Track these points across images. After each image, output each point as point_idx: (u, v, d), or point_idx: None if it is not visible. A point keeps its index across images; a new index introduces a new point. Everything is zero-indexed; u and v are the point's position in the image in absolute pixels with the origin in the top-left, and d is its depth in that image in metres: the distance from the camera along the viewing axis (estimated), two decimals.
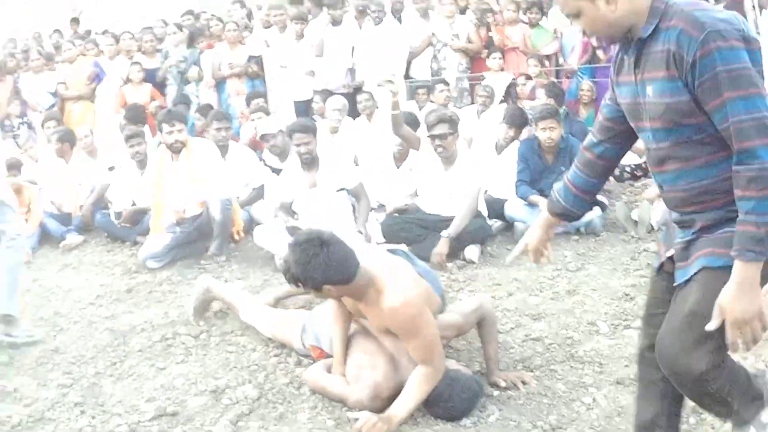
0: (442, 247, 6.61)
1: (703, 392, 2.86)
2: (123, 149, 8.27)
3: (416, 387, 3.98)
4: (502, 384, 4.40)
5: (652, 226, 7.24)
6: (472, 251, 6.81)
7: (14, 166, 8.09)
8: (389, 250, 4.63)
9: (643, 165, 9.35)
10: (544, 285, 6.00)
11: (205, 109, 10.12)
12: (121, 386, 4.72)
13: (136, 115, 9.79)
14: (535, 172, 7.64)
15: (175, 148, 7.10)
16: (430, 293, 4.21)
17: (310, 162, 6.94)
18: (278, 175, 7.76)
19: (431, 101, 10.09)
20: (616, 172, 9.28)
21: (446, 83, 10.27)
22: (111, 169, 8.55)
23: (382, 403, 4.09)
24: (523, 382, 4.39)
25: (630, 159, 9.40)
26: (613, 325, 5.15)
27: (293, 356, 4.93)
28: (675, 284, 2.93)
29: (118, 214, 7.82)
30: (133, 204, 7.88)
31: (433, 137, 6.85)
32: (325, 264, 3.72)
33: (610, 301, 5.57)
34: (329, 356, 4.52)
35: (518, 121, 8.25)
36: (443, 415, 4.10)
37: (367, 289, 3.94)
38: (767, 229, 2.58)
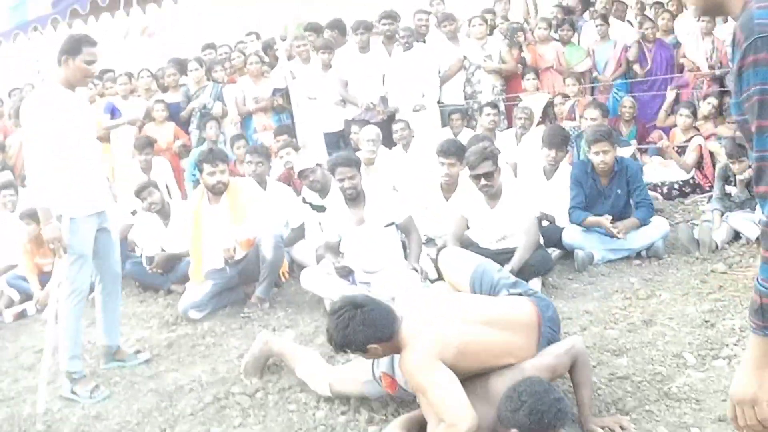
0: None
1: None
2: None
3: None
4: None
5: (716, 244, 6.94)
6: (534, 284, 6.34)
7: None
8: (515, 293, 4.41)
9: (691, 181, 9.00)
10: (618, 316, 5.62)
11: (236, 140, 9.77)
12: None
13: (142, 144, 9.47)
14: (590, 197, 7.26)
15: (217, 190, 6.68)
16: (470, 342, 3.95)
17: (355, 197, 6.56)
18: (319, 212, 7.45)
19: (466, 126, 9.72)
20: (664, 189, 8.94)
21: (494, 106, 9.82)
22: (134, 213, 8.13)
23: None
24: (622, 428, 4.05)
25: (678, 175, 9.13)
26: (701, 356, 4.82)
27: (362, 413, 4.50)
28: None
29: (150, 259, 7.40)
30: (163, 251, 7.49)
31: (477, 177, 6.44)
32: (363, 325, 3.81)
33: (691, 330, 5.23)
34: (401, 387, 4.24)
35: (558, 141, 7.81)
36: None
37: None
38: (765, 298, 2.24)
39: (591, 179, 7.25)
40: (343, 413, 4.54)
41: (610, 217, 6.94)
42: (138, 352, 5.65)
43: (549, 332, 4.23)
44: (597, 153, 7.15)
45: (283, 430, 4.42)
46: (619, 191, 7.15)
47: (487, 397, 3.89)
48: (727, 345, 4.91)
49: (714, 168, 9.05)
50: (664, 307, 5.73)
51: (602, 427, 4.02)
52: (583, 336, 5.30)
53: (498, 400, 3.74)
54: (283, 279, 7.09)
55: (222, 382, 5.16)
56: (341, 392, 4.60)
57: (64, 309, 5.13)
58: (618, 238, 6.84)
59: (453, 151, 7.22)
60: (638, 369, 4.72)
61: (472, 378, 3.94)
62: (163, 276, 7.45)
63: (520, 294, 4.39)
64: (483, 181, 6.43)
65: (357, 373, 4.53)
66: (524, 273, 6.16)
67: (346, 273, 6.39)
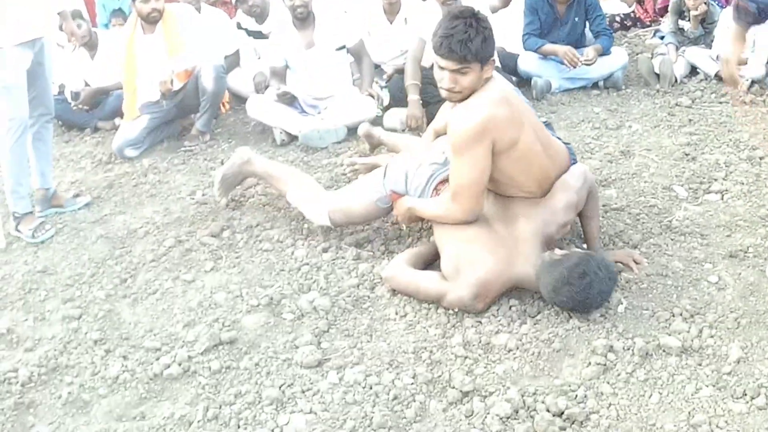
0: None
1: None
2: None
3: (433, 203, 3.76)
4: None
5: (676, 78, 6.83)
6: None
7: None
8: None
9: (632, 15, 8.74)
10: (592, 146, 5.42)
11: None
12: (144, 309, 3.78)
13: None
14: (546, 24, 6.89)
15: (152, 19, 6.01)
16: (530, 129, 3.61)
17: (305, 17, 6.06)
18: (256, 38, 6.97)
19: None
20: (606, 21, 8.61)
21: None
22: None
23: (486, 304, 3.50)
24: (636, 262, 3.83)
25: (619, 8, 8.87)
26: (692, 189, 4.70)
27: (347, 249, 4.14)
28: None
29: (76, 95, 6.65)
30: (87, 85, 6.78)
31: None
32: (483, 37, 3.40)
33: (674, 162, 5.08)
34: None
35: None
36: (579, 300, 3.34)
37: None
38: None
39: (548, 5, 6.85)
40: (325, 250, 4.16)
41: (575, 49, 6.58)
42: (77, 195, 5.01)
43: None
44: None
45: (263, 272, 3.98)
46: (576, 19, 6.80)
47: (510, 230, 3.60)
48: (716, 179, 4.77)
49: (654, 2, 8.80)
50: (638, 138, 5.56)
51: (615, 261, 3.77)
52: None
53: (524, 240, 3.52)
54: (222, 110, 6.61)
55: (179, 222, 4.64)
56: (341, 220, 4.16)
57: (5, 145, 4.49)
58: (584, 66, 6.50)
59: None
60: (631, 201, 4.56)
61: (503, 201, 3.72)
62: (89, 113, 6.74)
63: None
64: None
65: (365, 191, 4.14)
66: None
67: (288, 100, 5.94)
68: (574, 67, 6.50)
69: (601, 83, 6.78)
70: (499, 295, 3.55)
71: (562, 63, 6.58)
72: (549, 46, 6.72)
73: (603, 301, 3.41)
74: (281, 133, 5.88)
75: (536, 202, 3.64)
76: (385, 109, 6.22)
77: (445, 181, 3.77)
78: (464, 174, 3.50)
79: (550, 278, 3.34)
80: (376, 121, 5.85)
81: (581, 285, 3.26)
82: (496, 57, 3.79)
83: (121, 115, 6.31)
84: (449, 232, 3.63)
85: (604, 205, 4.45)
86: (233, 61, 7.01)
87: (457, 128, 3.47)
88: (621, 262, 3.82)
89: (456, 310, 3.48)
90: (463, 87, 3.47)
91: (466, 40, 3.35)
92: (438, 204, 3.71)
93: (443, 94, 3.57)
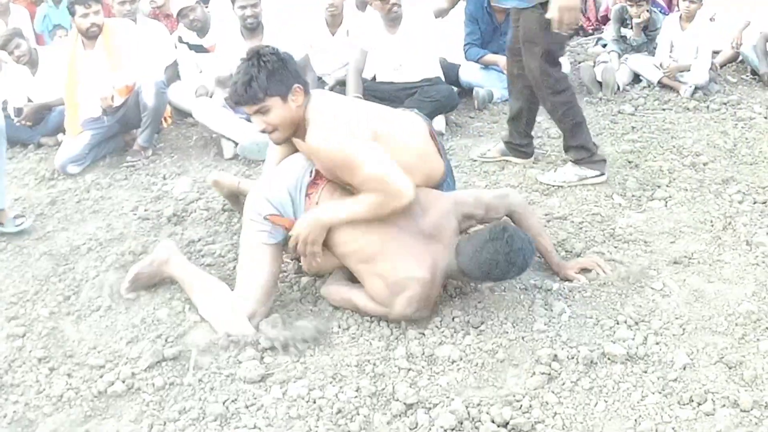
0: None
1: (544, 99, 4.79)
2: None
3: (353, 202, 3.46)
4: (576, 277, 3.82)
5: (618, 86, 6.96)
6: (439, 122, 6.14)
7: None
8: None
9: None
10: (536, 155, 5.41)
11: None
12: (88, 327, 3.70)
13: None
14: (486, 34, 7.00)
15: (92, 33, 6.01)
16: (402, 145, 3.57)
17: (254, 28, 6.10)
18: (197, 52, 6.93)
19: None
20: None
21: None
22: None
23: (431, 309, 3.52)
24: (599, 265, 3.90)
25: None
26: (635, 197, 4.75)
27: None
28: None
29: (18, 111, 6.56)
30: (29, 101, 6.68)
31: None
32: (267, 72, 3.39)
33: (617, 170, 5.13)
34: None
35: None
36: (503, 253, 3.28)
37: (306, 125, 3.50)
38: None
39: (487, 15, 6.94)
40: None
41: None
42: (18, 216, 4.88)
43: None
44: None
45: None
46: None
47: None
48: (659, 186, 4.84)
49: (596, 11, 8.90)
50: None
51: (577, 271, 3.84)
52: (504, 174, 5.19)
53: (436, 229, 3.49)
54: (164, 125, 6.57)
55: (121, 239, 4.58)
56: (264, 310, 3.61)
57: None
58: None
59: None
60: (574, 209, 4.59)
61: None
62: (32, 129, 6.65)
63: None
64: (392, 1, 6.05)
65: (255, 261, 3.63)
66: (428, 109, 5.77)
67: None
68: None
69: None
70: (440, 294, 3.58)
71: (503, 73, 6.58)
72: (490, 56, 6.82)
73: (525, 262, 3.34)
74: (233, 147, 5.86)
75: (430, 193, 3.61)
76: None
77: (314, 183, 3.64)
78: (371, 163, 3.38)
79: (470, 244, 3.34)
80: None
81: (504, 238, 3.26)
82: (309, 81, 4.07)
83: (64, 131, 6.25)
84: (362, 263, 3.49)
85: (546, 214, 4.51)
86: (172, 73, 6.98)
87: (321, 146, 3.43)
88: (587, 268, 3.86)
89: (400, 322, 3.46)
90: (274, 124, 3.50)
91: (249, 81, 3.39)
92: (362, 200, 3.43)
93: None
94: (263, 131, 3.55)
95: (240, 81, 3.41)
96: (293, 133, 3.56)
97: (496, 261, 3.26)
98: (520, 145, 5.25)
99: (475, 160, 5.39)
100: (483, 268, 3.30)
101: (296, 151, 3.73)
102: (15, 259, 4.48)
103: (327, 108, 3.55)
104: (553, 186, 4.87)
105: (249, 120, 5.80)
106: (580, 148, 4.86)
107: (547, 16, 4.24)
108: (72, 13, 6.02)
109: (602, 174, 4.86)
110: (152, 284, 3.92)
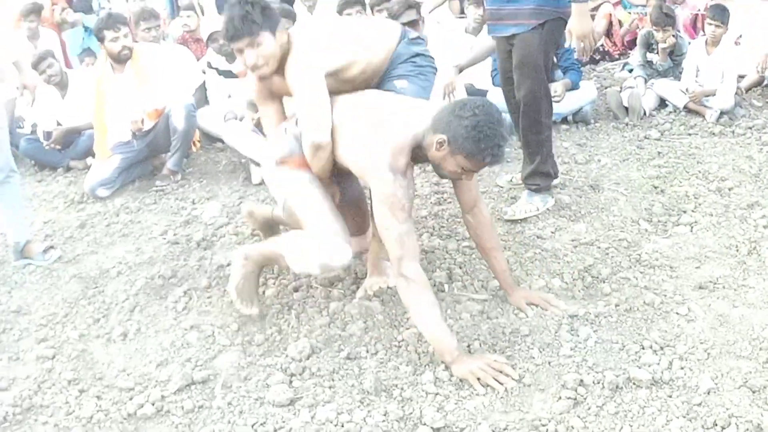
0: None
1: (533, 120, 4.76)
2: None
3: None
4: (525, 308, 3.81)
5: (644, 111, 6.95)
6: None
7: None
8: None
9: (601, 48, 8.85)
10: (562, 180, 5.39)
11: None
12: (117, 349, 3.76)
13: (28, 10, 8.55)
14: None
15: (123, 57, 6.09)
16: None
17: None
18: (226, 77, 6.99)
19: None
20: (575, 55, 8.71)
21: None
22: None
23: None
24: (550, 304, 3.84)
25: None
26: (660, 223, 4.74)
27: (317, 289, 4.12)
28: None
29: (48, 135, 6.67)
30: (59, 125, 6.78)
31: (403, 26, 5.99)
32: (260, 8, 3.61)
33: (643, 195, 5.13)
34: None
35: None
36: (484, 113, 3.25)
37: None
38: None
39: None
40: (296, 289, 4.14)
41: None
42: (49, 249, 4.90)
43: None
44: None
45: (233, 312, 3.94)
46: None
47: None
48: (685, 211, 4.83)
49: (622, 35, 8.92)
50: (607, 172, 5.58)
51: (529, 303, 3.82)
52: None
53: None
54: (193, 149, 6.65)
55: (150, 262, 4.63)
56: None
57: None
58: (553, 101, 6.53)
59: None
60: (600, 235, 4.57)
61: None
62: (61, 152, 6.75)
63: None
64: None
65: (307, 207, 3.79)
66: None
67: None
68: None
69: (570, 118, 6.83)
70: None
71: None
72: None
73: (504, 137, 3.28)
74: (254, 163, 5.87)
75: None
76: None
77: None
78: (311, 105, 3.63)
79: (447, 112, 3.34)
80: None
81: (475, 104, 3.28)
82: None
83: (93, 155, 6.33)
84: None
85: (573, 239, 4.51)
86: (200, 98, 7.05)
87: (293, 71, 3.67)
88: (534, 304, 3.83)
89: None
90: (266, 56, 3.67)
91: (245, 15, 3.58)
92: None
93: (253, 74, 3.81)
94: (254, 66, 3.69)
95: (236, 16, 3.58)
96: (278, 67, 3.74)
97: (476, 122, 3.23)
98: None
99: (502, 187, 5.40)
100: (470, 129, 3.23)
101: (281, 107, 4.06)
102: (44, 281, 4.56)
103: (305, 39, 3.76)
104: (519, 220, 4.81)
105: None
106: (546, 174, 4.90)
107: (567, 45, 4.37)
108: (101, 39, 6.09)
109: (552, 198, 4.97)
110: (257, 284, 3.95)
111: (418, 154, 3.43)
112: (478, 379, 3.23)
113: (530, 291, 3.95)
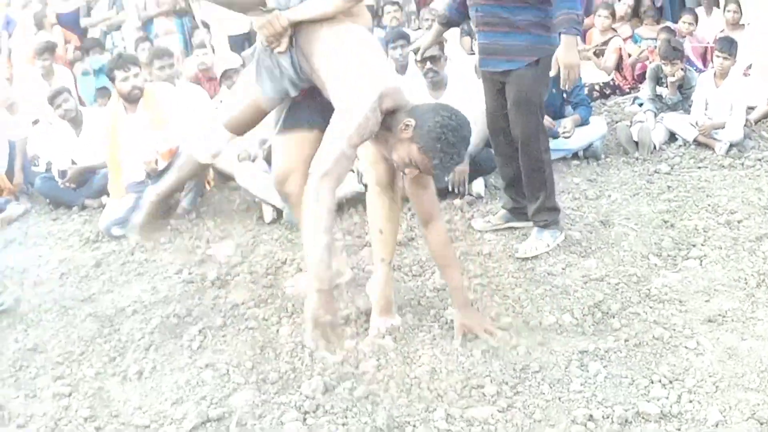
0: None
1: (533, 158, 4.74)
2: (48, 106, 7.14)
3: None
4: (457, 337, 3.87)
5: (654, 145, 6.94)
6: (479, 185, 6.14)
7: None
8: None
9: (611, 83, 8.89)
10: (573, 216, 5.43)
11: (139, 42, 9.14)
12: (133, 387, 3.81)
13: (42, 48, 8.73)
14: None
15: (134, 96, 6.18)
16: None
17: None
18: None
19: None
20: (585, 90, 8.77)
21: (398, 5, 9.43)
22: (35, 123, 7.42)
23: None
24: (487, 332, 3.89)
25: (597, 77, 8.99)
26: (670, 257, 4.76)
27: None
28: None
29: (63, 173, 6.77)
30: (73, 163, 6.88)
31: (423, 61, 6.03)
32: None
33: (653, 230, 5.14)
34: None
35: None
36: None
37: None
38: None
39: None
40: None
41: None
42: None
43: None
44: None
45: (249, 349, 3.99)
46: (554, 90, 6.77)
47: None
48: (694, 245, 4.85)
49: (633, 69, 8.96)
50: (618, 207, 5.59)
51: (469, 331, 3.87)
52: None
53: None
54: (207, 188, 6.67)
55: (166, 301, 4.68)
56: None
57: None
58: (563, 138, 6.58)
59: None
60: (610, 270, 4.59)
61: None
62: (76, 191, 6.83)
63: None
64: (429, 65, 6.05)
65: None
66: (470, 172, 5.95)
67: None
68: (554, 138, 6.58)
69: (580, 153, 6.82)
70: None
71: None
72: None
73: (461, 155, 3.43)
74: (273, 211, 5.90)
75: None
76: None
77: None
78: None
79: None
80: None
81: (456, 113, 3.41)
82: None
83: (108, 194, 6.39)
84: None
85: (584, 275, 4.52)
86: None
87: None
88: (471, 332, 3.86)
89: None
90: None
91: None
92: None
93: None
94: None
95: None
96: None
97: (444, 126, 3.34)
98: (524, 207, 5.10)
99: (480, 231, 5.34)
100: (437, 130, 3.34)
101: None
102: (60, 320, 4.61)
103: None
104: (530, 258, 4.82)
105: None
106: (553, 209, 4.92)
107: (552, 74, 4.51)
108: (112, 79, 6.21)
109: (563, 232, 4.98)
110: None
111: (388, 122, 3.47)
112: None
113: (478, 320, 3.95)
